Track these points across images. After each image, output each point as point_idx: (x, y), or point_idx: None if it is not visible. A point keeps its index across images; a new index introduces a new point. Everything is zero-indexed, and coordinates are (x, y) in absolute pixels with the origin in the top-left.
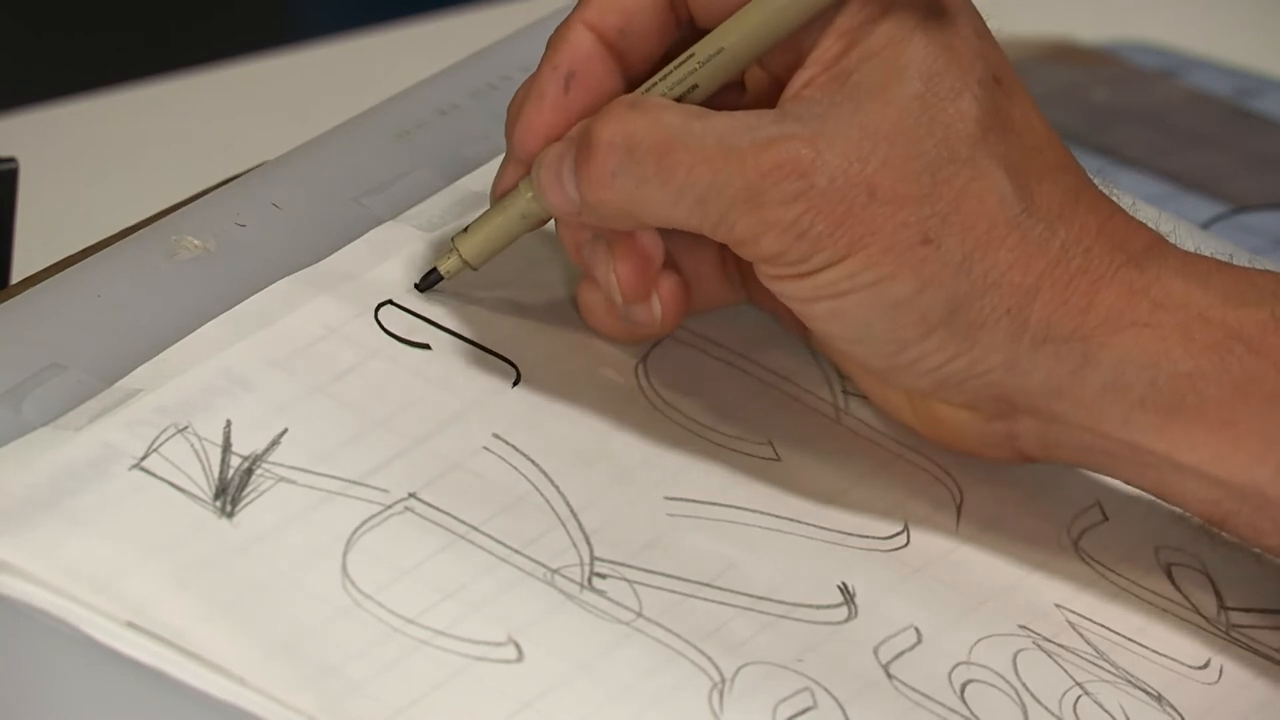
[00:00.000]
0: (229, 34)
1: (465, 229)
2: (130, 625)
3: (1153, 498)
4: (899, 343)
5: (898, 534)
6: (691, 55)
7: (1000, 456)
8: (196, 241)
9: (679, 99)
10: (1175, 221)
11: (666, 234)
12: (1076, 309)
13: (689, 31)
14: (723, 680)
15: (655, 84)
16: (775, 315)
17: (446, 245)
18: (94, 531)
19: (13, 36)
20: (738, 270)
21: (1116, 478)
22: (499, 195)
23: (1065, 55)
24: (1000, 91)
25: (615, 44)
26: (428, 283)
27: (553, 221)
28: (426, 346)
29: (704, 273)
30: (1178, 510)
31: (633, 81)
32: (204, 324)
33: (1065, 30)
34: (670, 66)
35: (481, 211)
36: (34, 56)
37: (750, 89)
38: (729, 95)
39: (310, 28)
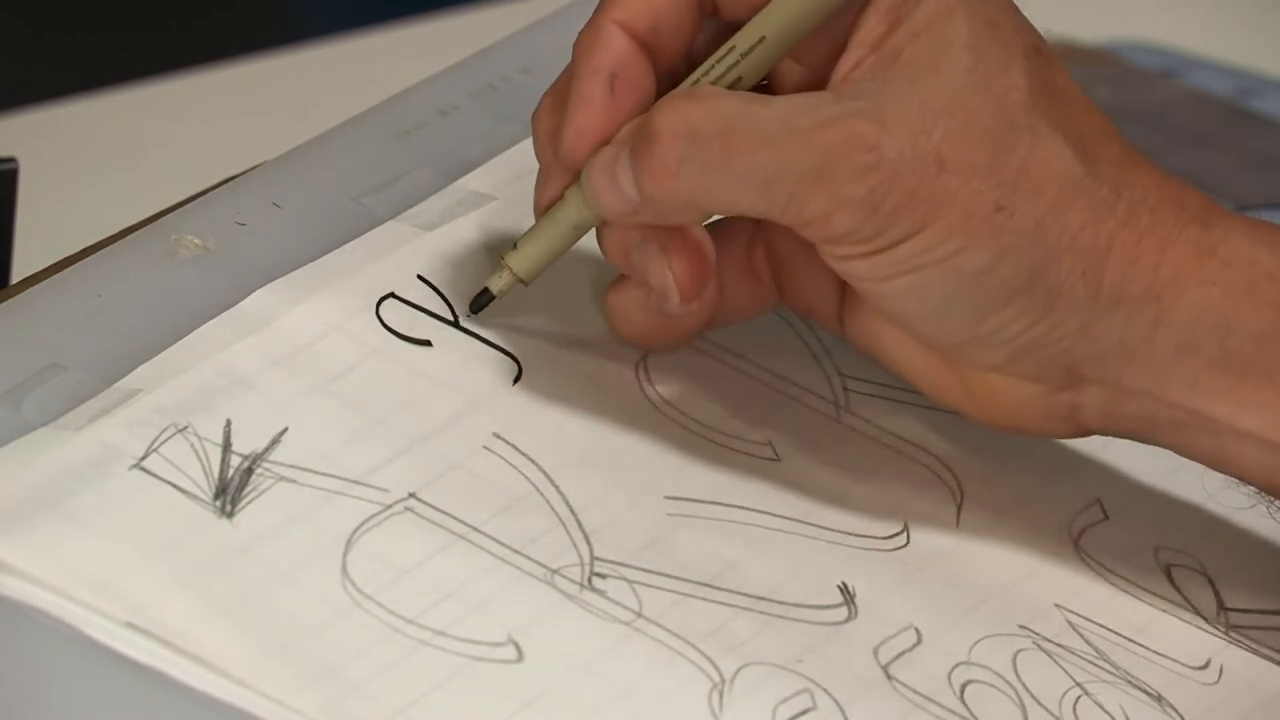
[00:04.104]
0: (229, 34)
1: (515, 245)
2: (130, 625)
3: (1162, 491)
4: (979, 314)
5: (898, 534)
6: (733, 47)
7: (1057, 430)
8: (196, 241)
9: None
10: None
11: None
12: (1147, 267)
13: (712, 24)
14: (722, 680)
15: (698, 79)
16: (810, 313)
17: (493, 264)
18: (94, 532)
19: (13, 36)
20: (769, 271)
21: (1174, 448)
22: (544, 206)
23: (1065, 55)
24: (1043, 62)
25: (648, 42)
26: (480, 304)
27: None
28: (427, 343)
29: (733, 279)
30: (1178, 510)
31: (664, 79)
32: (204, 324)
33: (1065, 30)
34: (711, 61)
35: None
36: (34, 56)
37: (785, 85)
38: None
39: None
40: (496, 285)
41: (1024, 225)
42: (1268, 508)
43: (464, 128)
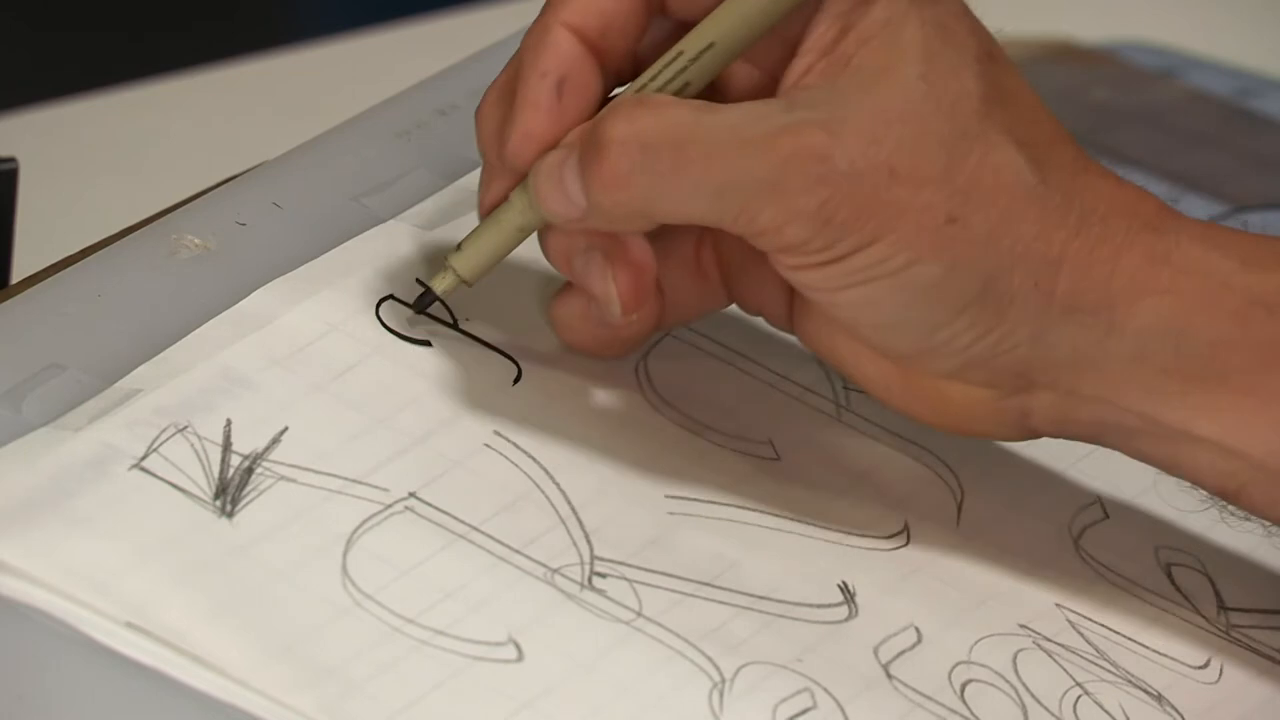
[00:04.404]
0: (229, 34)
1: (459, 247)
2: (130, 625)
3: (1158, 494)
4: (931, 325)
5: (898, 533)
6: (681, 53)
7: (1008, 435)
8: (197, 240)
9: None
10: None
11: None
12: (1100, 277)
13: (661, 25)
14: (723, 680)
15: (646, 84)
16: (761, 313)
17: (439, 264)
18: (94, 532)
19: (13, 36)
20: (717, 272)
21: (1126, 451)
22: (488, 208)
23: (1065, 55)
24: (995, 67)
25: (596, 45)
26: (423, 304)
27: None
28: (427, 343)
29: (681, 279)
30: (1178, 509)
31: (610, 79)
32: (204, 323)
33: (1065, 30)
34: (659, 65)
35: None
36: (34, 56)
37: (736, 87)
38: (712, 97)
39: (310, 28)
40: (440, 286)
41: (976, 236)
42: (1221, 513)
43: (464, 128)
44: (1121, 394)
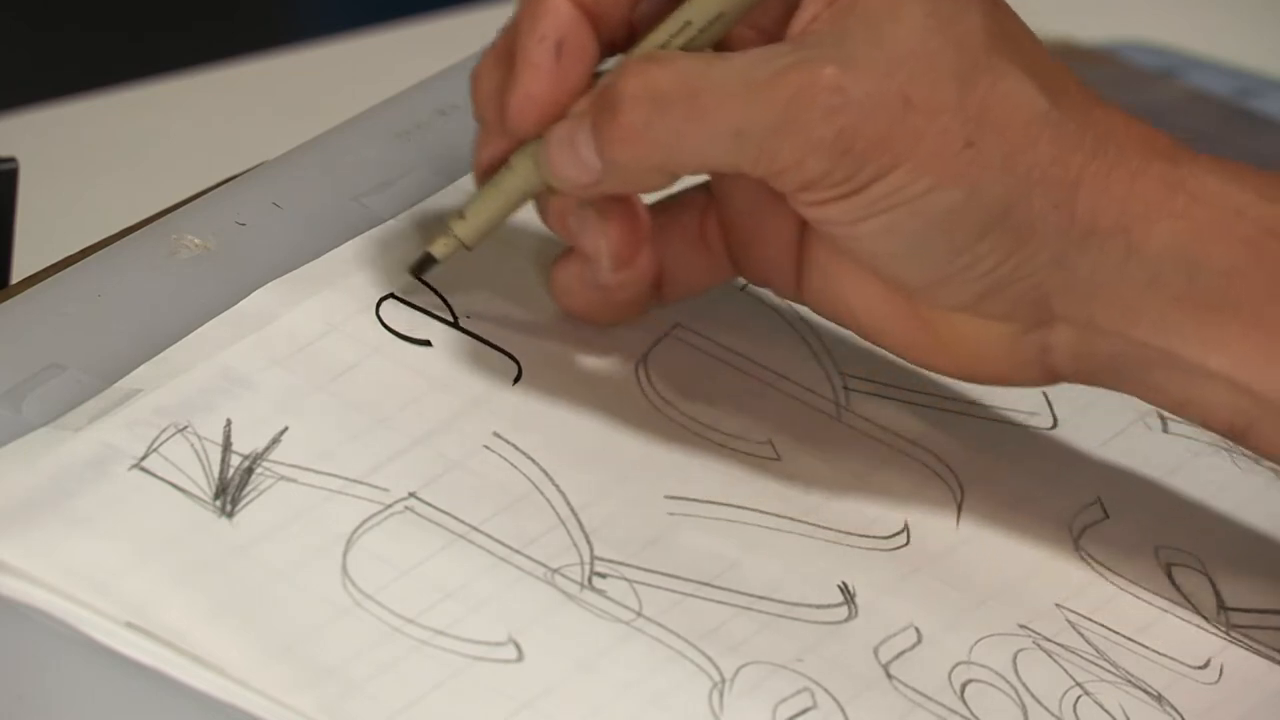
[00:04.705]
0: (229, 34)
1: (460, 212)
2: (130, 626)
3: (1162, 491)
4: (953, 250)
5: (898, 533)
6: (689, 23)
7: (1025, 376)
8: (197, 240)
9: None
10: None
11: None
12: (1118, 199)
13: None
14: (723, 680)
15: (644, 47)
16: (767, 283)
17: (439, 229)
18: (94, 532)
19: (13, 36)
20: (721, 244)
21: (1141, 393)
22: (485, 168)
23: (1065, 55)
24: (998, 10)
25: (591, 10)
26: (421, 267)
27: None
28: (427, 343)
29: (684, 252)
30: (1178, 509)
31: (605, 49)
32: (204, 323)
33: (1065, 30)
34: (664, 34)
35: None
36: (34, 56)
37: (738, 48)
38: None
39: (310, 28)
40: (439, 250)
41: (993, 160)
42: (1232, 455)
43: (464, 128)
44: (1137, 326)
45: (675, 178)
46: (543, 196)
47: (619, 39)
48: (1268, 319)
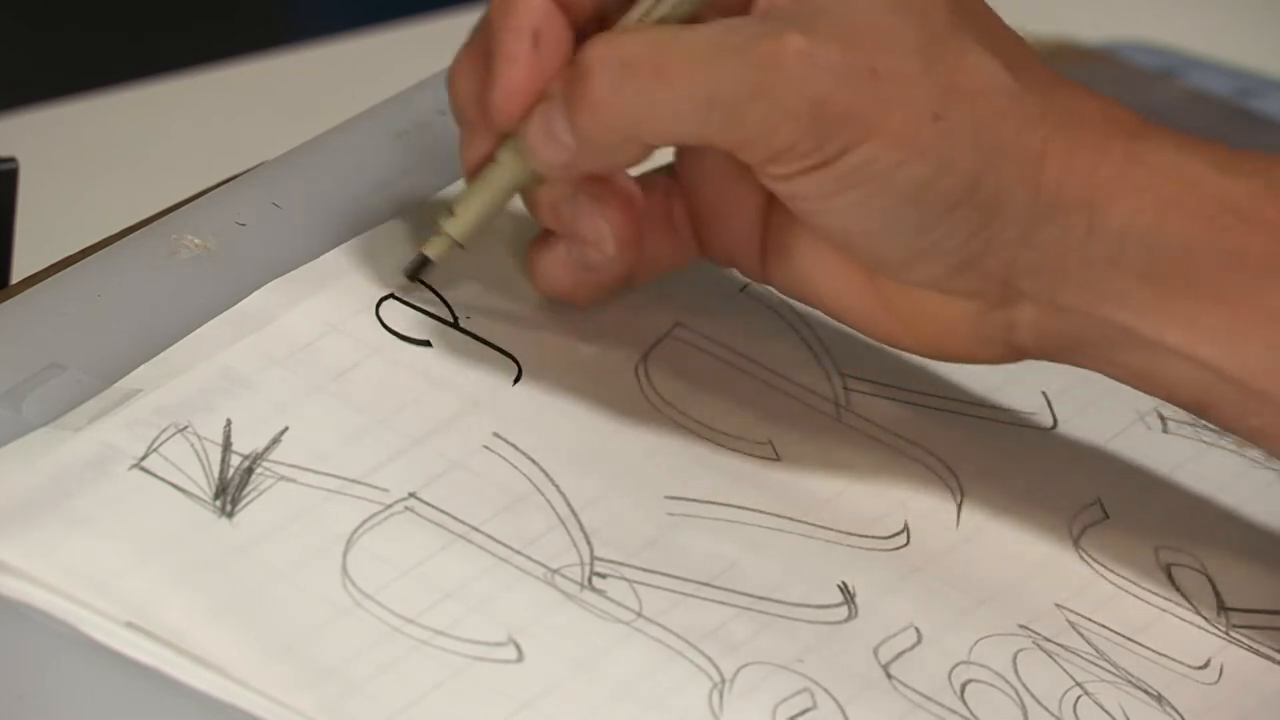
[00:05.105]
0: (229, 34)
1: (450, 211)
2: (130, 626)
3: (1162, 491)
4: (922, 225)
5: (898, 533)
6: (658, 1)
7: (990, 354)
8: (197, 240)
9: None
10: None
11: None
12: (1081, 171)
13: None
14: (723, 680)
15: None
16: (733, 263)
17: (431, 229)
18: (94, 532)
19: (13, 36)
20: (688, 225)
21: (1104, 369)
22: (473, 166)
23: (1065, 55)
24: None
25: (565, 0)
26: (417, 269)
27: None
28: (427, 344)
29: (651, 234)
30: (1178, 509)
31: (578, 39)
32: (204, 323)
33: (1065, 30)
34: (637, 11)
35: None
36: (34, 56)
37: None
38: None
39: (310, 28)
40: (433, 251)
41: (961, 133)
42: (1197, 430)
43: None
44: (1099, 304)
45: (648, 149)
46: (531, 190)
47: (591, 29)
48: (1226, 294)
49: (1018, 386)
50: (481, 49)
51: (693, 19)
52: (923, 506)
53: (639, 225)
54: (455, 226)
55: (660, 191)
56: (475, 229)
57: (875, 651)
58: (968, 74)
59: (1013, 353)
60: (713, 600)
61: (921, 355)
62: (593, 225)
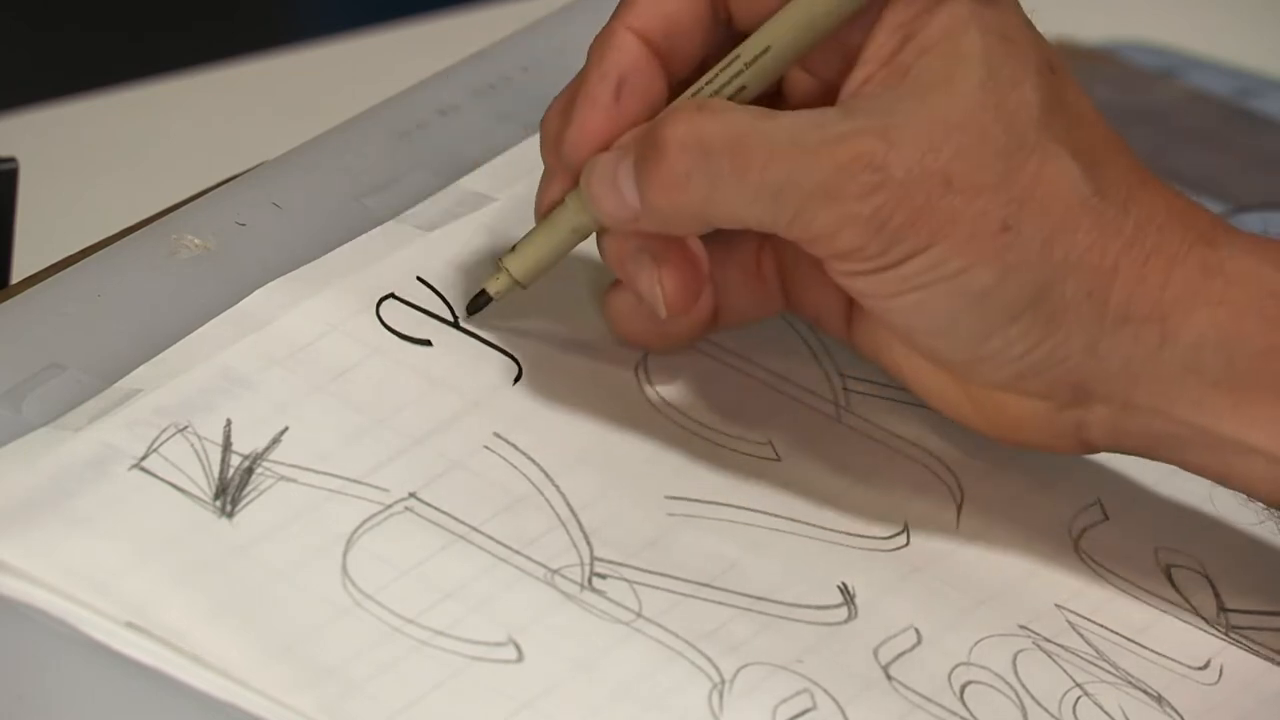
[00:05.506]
0: (229, 34)
1: (513, 248)
2: (130, 625)
3: (1162, 491)
4: (984, 333)
5: (898, 534)
6: (737, 56)
7: (1065, 446)
8: (197, 240)
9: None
10: None
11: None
12: (1154, 287)
13: (727, 33)
14: (722, 681)
15: (702, 87)
16: (818, 321)
17: (492, 265)
18: (94, 532)
19: (13, 36)
20: (777, 278)
21: (1182, 464)
22: (545, 210)
23: (1065, 55)
24: (1056, 79)
25: (660, 48)
26: (477, 306)
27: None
28: (428, 343)
29: (739, 283)
30: (1178, 510)
31: (675, 85)
32: (204, 324)
33: (1065, 30)
34: (716, 69)
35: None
36: (34, 56)
37: (796, 96)
38: (771, 104)
39: (310, 28)
40: (494, 288)
41: (1030, 244)
42: (1278, 525)
43: (464, 128)
44: (1174, 406)
45: (711, 227)
46: (602, 235)
47: (691, 78)
48: None
49: None
50: (573, 94)
51: (780, 90)
52: (923, 507)
53: (696, 294)
54: (516, 264)
55: (752, 243)
56: (536, 269)
57: (875, 652)
58: (1046, 183)
59: (1086, 447)
60: (713, 601)
61: (998, 442)
62: (650, 285)
